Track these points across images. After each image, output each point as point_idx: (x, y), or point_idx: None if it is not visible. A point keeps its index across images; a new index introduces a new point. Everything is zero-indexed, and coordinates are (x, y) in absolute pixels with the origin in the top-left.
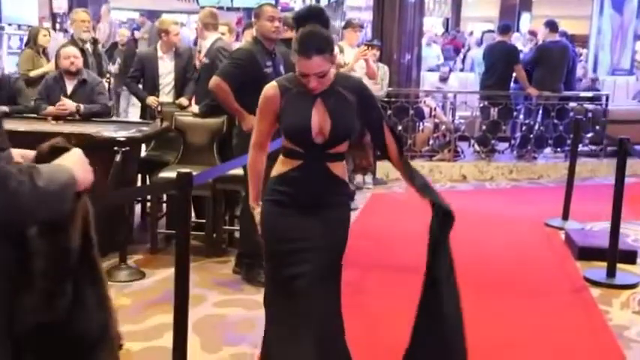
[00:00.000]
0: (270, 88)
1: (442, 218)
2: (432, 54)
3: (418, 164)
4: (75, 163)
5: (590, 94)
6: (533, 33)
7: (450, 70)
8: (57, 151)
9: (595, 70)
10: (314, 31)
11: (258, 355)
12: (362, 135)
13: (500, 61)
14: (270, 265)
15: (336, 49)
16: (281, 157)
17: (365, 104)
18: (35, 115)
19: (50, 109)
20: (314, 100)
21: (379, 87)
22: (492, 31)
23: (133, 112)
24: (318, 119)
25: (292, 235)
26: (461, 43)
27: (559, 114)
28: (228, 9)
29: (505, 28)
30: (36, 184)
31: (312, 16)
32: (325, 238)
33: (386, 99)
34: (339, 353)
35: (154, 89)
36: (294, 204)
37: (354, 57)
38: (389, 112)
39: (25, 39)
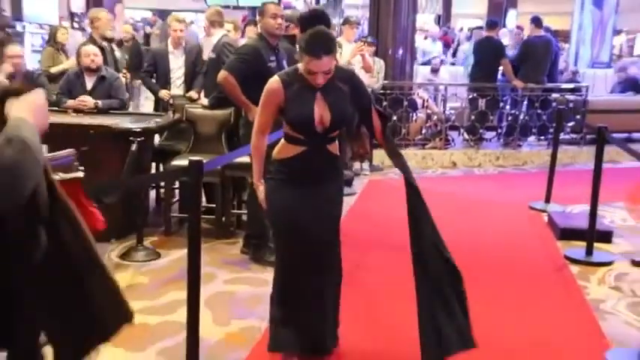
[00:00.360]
0: (274, 83)
1: (412, 193)
2: (434, 50)
3: (412, 152)
4: (30, 111)
5: (571, 85)
6: (520, 28)
7: (442, 62)
8: (8, 95)
9: (576, 63)
10: (322, 33)
11: (266, 328)
12: (359, 125)
13: (487, 56)
14: (281, 230)
15: None
16: (283, 142)
17: (356, 92)
18: (57, 108)
19: (71, 102)
20: (315, 94)
21: (375, 80)
22: (481, 28)
23: (147, 105)
24: (319, 111)
25: (297, 206)
26: (451, 38)
27: (542, 104)
28: (235, 7)
29: (492, 24)
30: (31, 150)
31: (317, 18)
32: (328, 206)
33: (382, 91)
34: (334, 301)
35: (166, 83)
36: (297, 182)
37: (351, 52)
38: (384, 103)
39: (47, 37)
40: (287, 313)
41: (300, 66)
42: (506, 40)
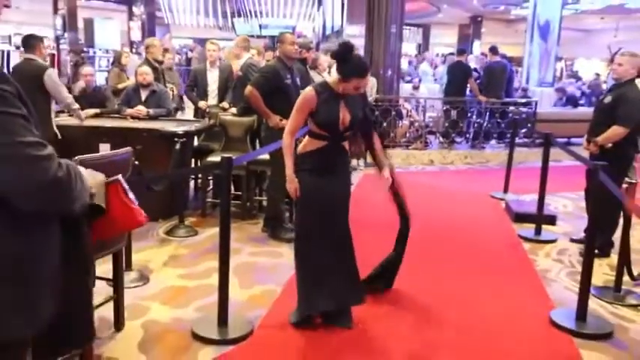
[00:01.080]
0: (310, 91)
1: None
2: (428, 72)
3: (397, 152)
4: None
5: (523, 100)
6: (484, 54)
7: (420, 81)
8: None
9: (527, 82)
10: (363, 59)
11: (282, 290)
12: (356, 130)
13: (458, 76)
14: (306, 214)
15: None
16: (308, 138)
17: (365, 103)
18: (118, 115)
19: (129, 110)
20: (340, 101)
21: (369, 94)
22: (453, 54)
23: (187, 113)
24: (342, 115)
25: (324, 188)
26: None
27: (501, 115)
28: (258, 37)
29: (461, 51)
30: (82, 175)
31: (348, 48)
32: (345, 187)
33: (374, 103)
34: (352, 256)
35: (205, 95)
36: (320, 169)
37: None
38: (376, 113)
39: (111, 60)
40: (313, 277)
41: (328, 80)
42: (473, 64)
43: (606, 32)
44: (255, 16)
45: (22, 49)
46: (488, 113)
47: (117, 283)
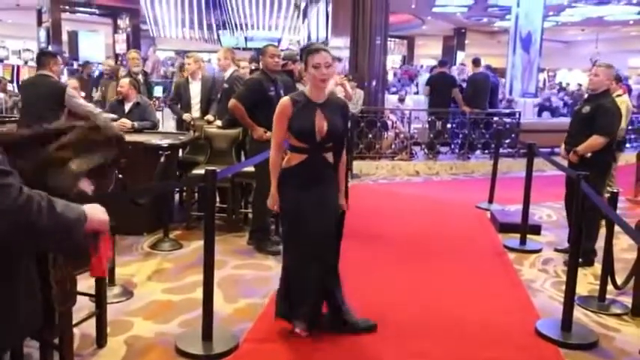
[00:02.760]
0: (285, 100)
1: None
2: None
3: (383, 163)
4: (91, 208)
5: (507, 111)
6: (463, 64)
7: (406, 93)
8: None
9: (511, 93)
10: (316, 43)
11: (267, 303)
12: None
13: (442, 87)
14: (290, 225)
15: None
16: (289, 153)
17: (344, 114)
18: None
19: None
20: (315, 109)
21: (354, 106)
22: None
23: (169, 125)
24: (319, 122)
25: (309, 204)
26: (413, 73)
27: (486, 126)
28: (244, 49)
29: (443, 63)
30: (54, 212)
31: (313, 44)
32: (327, 204)
33: (360, 115)
34: (334, 270)
35: (188, 108)
36: (304, 184)
37: (333, 83)
38: (362, 124)
39: (101, 73)
40: (294, 291)
41: (304, 90)
42: (456, 74)
43: (587, 44)
44: (241, 28)
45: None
46: (472, 124)
47: (99, 298)
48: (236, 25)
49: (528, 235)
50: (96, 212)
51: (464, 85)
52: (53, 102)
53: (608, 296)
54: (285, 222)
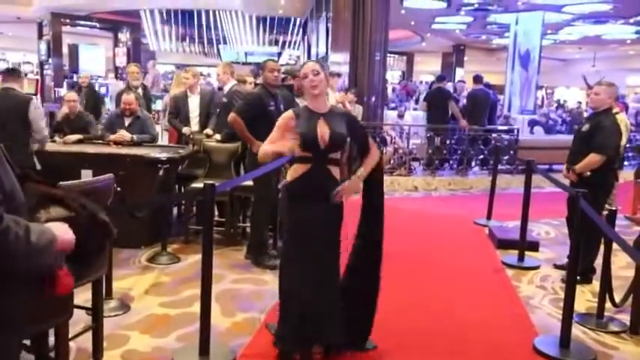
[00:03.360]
0: (289, 113)
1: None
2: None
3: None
4: (57, 228)
5: (505, 127)
6: (462, 81)
7: (405, 109)
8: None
9: (509, 110)
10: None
11: (265, 318)
12: (348, 157)
13: (439, 102)
14: (291, 245)
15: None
16: (295, 164)
17: (351, 124)
18: (101, 141)
19: (112, 136)
20: (318, 119)
21: None
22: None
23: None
24: (321, 130)
25: (310, 219)
26: (412, 89)
27: (484, 142)
28: (244, 63)
29: (440, 78)
30: (30, 239)
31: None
32: (334, 219)
33: None
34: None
35: (187, 122)
36: (306, 196)
37: (335, 100)
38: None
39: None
40: (293, 312)
41: (306, 104)
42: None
43: (584, 62)
44: (241, 43)
45: None
46: (470, 140)
47: (96, 312)
48: (236, 39)
49: (526, 252)
50: (63, 232)
51: (463, 100)
52: (20, 115)
53: (606, 314)
54: (286, 239)
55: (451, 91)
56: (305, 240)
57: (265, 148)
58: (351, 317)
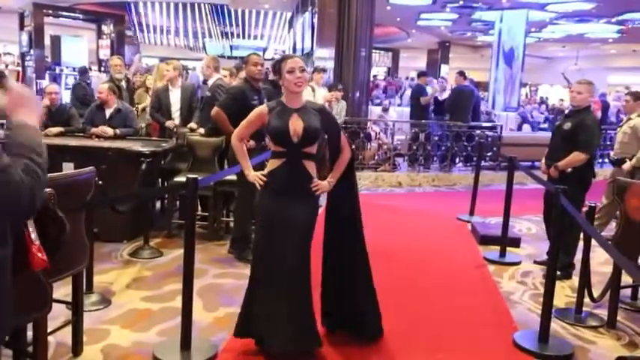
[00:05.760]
0: (262, 107)
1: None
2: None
3: (366, 174)
4: (32, 111)
5: (489, 124)
6: (444, 78)
7: (390, 103)
8: None
9: (493, 107)
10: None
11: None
12: (324, 152)
13: (413, 98)
14: (259, 236)
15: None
16: (270, 159)
17: (326, 119)
18: (83, 134)
19: (94, 130)
20: (291, 113)
21: (337, 117)
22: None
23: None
24: (293, 124)
25: (280, 214)
26: (397, 85)
27: (468, 138)
28: (229, 57)
29: (422, 74)
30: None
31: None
32: (306, 217)
33: (343, 125)
34: (305, 305)
35: (169, 116)
36: (278, 190)
37: (323, 97)
38: (345, 134)
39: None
40: (258, 303)
41: (282, 99)
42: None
43: (567, 60)
44: (227, 37)
45: None
46: (454, 137)
47: (76, 306)
48: (222, 33)
49: (508, 248)
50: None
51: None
52: None
53: (584, 309)
54: (257, 229)
55: (437, 88)
56: (272, 234)
57: (237, 145)
58: (350, 310)
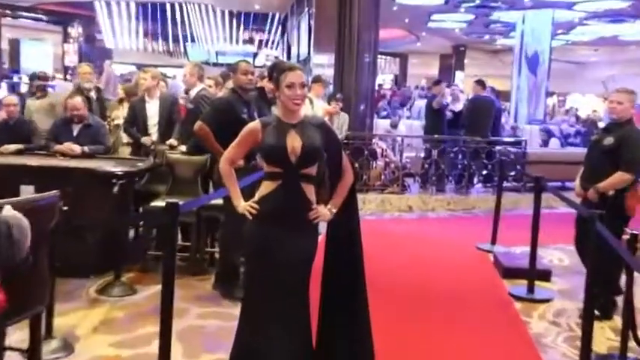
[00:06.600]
0: (254, 124)
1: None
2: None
3: (372, 196)
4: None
5: (512, 139)
6: (456, 85)
7: (399, 118)
8: None
9: (516, 119)
10: (293, 62)
11: None
12: (323, 174)
13: (428, 109)
14: (250, 273)
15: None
16: (263, 182)
17: (327, 136)
18: (46, 153)
19: (58, 147)
20: (289, 130)
21: (338, 131)
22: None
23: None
24: (291, 141)
25: (274, 248)
26: (403, 96)
27: (487, 155)
28: (214, 64)
29: (436, 82)
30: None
31: (283, 62)
32: (303, 250)
33: (345, 141)
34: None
35: (145, 131)
36: (273, 219)
37: (323, 110)
38: (347, 151)
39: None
40: (250, 343)
41: (276, 112)
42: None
43: (601, 65)
44: (212, 41)
45: None
46: (472, 153)
47: (34, 353)
48: (206, 37)
49: (537, 282)
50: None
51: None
52: None
53: (630, 355)
54: (248, 259)
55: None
56: (266, 267)
57: (225, 170)
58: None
